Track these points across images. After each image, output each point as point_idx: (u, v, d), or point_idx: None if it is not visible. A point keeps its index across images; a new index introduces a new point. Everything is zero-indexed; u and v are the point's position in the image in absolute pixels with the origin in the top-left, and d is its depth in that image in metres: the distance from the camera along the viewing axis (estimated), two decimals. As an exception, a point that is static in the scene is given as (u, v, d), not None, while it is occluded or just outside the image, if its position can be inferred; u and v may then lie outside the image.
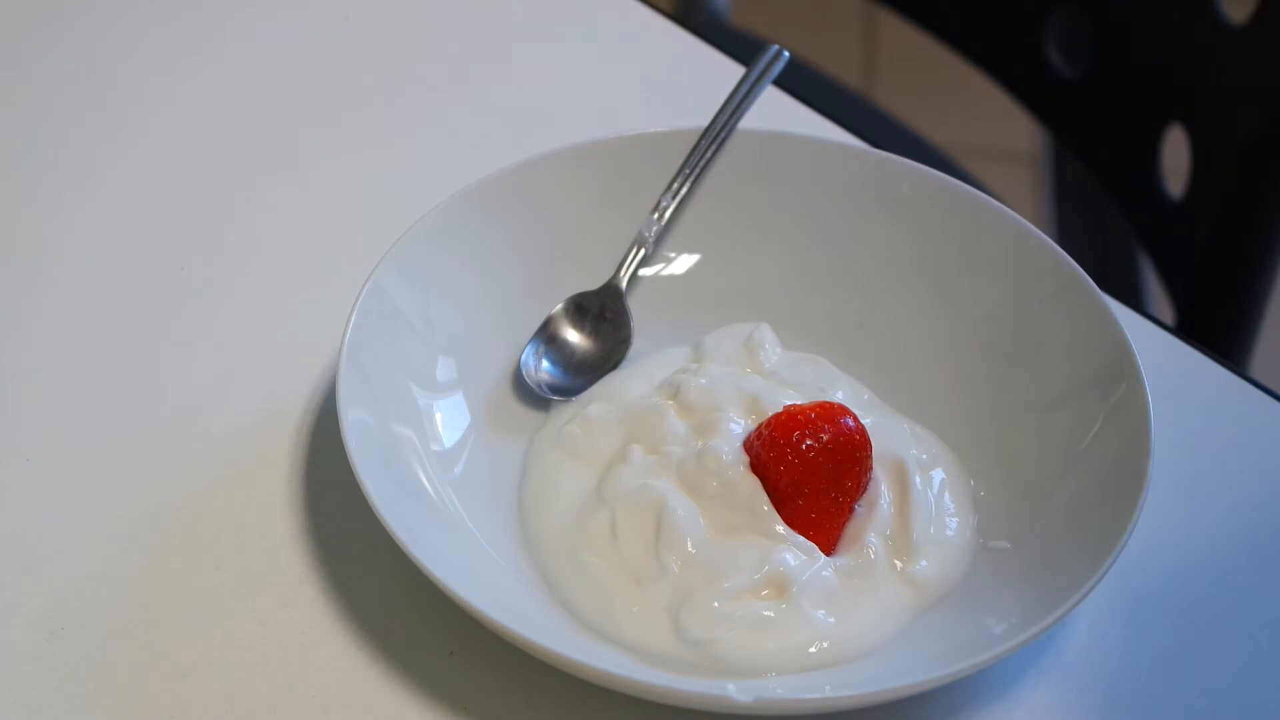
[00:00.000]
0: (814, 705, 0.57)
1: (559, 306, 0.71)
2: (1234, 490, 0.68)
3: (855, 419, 0.62)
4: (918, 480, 0.64)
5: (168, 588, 0.63)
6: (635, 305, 0.72)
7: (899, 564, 0.62)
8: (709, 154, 0.73)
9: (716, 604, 0.59)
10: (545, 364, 0.70)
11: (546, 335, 0.70)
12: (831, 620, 0.60)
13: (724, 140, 0.74)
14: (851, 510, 0.63)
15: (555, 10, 0.94)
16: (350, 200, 0.81)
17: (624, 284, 0.72)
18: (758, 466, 0.62)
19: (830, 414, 0.62)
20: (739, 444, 0.63)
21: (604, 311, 0.71)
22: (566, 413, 0.68)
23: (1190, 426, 0.69)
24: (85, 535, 0.65)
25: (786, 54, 0.78)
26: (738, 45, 0.90)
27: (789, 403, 0.64)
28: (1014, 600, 0.60)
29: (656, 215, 0.73)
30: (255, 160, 0.83)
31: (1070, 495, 0.63)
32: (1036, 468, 0.65)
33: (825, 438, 0.61)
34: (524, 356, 0.69)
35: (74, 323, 0.74)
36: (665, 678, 0.58)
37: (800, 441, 0.61)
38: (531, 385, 0.69)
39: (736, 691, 0.56)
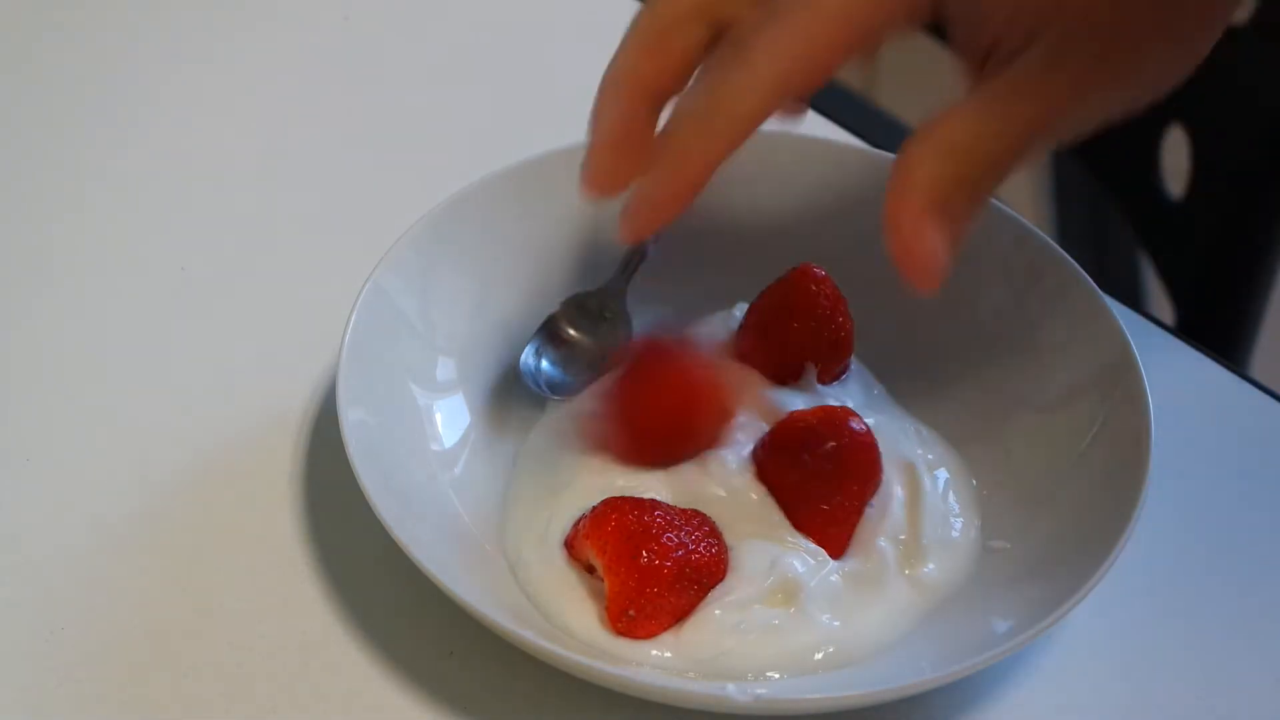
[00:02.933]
0: (813, 705, 0.57)
1: (559, 306, 0.71)
2: (1234, 490, 0.68)
3: (861, 422, 0.62)
4: (927, 483, 0.64)
5: (168, 588, 0.63)
6: (636, 305, 0.72)
7: (908, 568, 0.62)
8: None
9: (718, 612, 0.59)
10: (545, 364, 0.70)
11: (546, 334, 0.70)
12: (837, 624, 0.60)
13: None
14: (861, 513, 0.63)
15: (555, 10, 0.94)
16: (350, 200, 0.81)
17: (625, 284, 0.72)
18: (764, 474, 0.62)
19: (835, 419, 0.62)
20: (745, 451, 0.63)
21: (604, 311, 0.71)
22: (563, 409, 0.68)
23: (1190, 426, 0.69)
24: (85, 535, 0.65)
25: None
26: (737, 45, 0.89)
27: (794, 409, 0.64)
28: (1014, 600, 0.60)
29: (657, 216, 0.73)
30: (255, 160, 0.83)
31: (1070, 495, 0.63)
32: (1036, 468, 0.65)
33: (831, 444, 0.61)
34: (524, 356, 0.69)
35: (74, 322, 0.74)
36: (665, 678, 0.58)
37: (804, 449, 0.61)
38: (531, 385, 0.68)
39: (736, 691, 0.56)
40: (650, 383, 0.64)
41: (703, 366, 0.65)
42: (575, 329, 0.71)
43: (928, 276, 0.52)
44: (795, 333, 0.66)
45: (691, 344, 0.66)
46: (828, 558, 0.61)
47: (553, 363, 0.70)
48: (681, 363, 0.65)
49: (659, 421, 0.63)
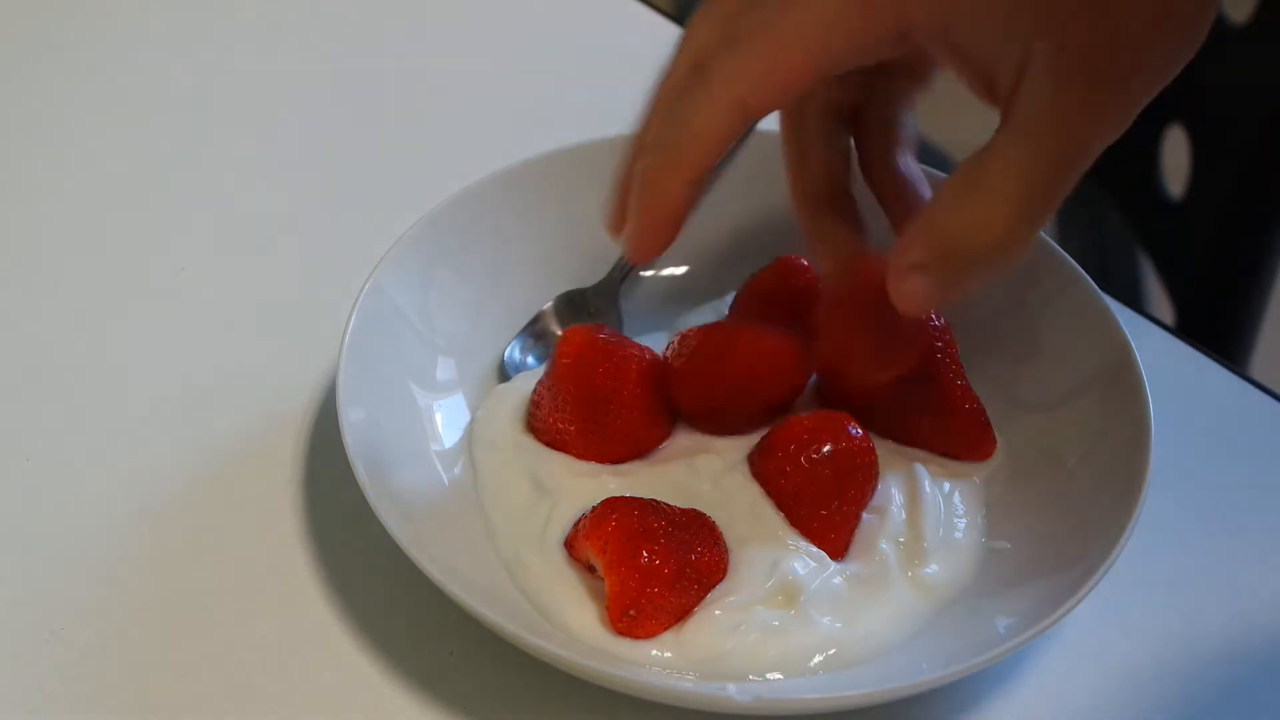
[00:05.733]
0: (813, 705, 0.57)
1: (549, 303, 0.71)
2: (1234, 490, 0.68)
3: (857, 426, 0.62)
4: (927, 485, 0.64)
5: (168, 588, 0.63)
6: (634, 305, 0.72)
7: (910, 570, 0.62)
8: None
9: (719, 613, 0.59)
10: (530, 360, 0.70)
11: (534, 331, 0.70)
12: (838, 626, 0.60)
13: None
14: (859, 516, 0.63)
15: (555, 10, 0.94)
16: (350, 200, 0.81)
17: (618, 283, 0.72)
18: (760, 477, 0.62)
19: (829, 423, 0.62)
20: (735, 452, 0.63)
21: (592, 308, 0.71)
22: (505, 398, 0.67)
23: (1190, 426, 0.69)
24: (85, 535, 0.65)
25: None
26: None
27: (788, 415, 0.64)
28: (1014, 600, 0.60)
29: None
30: (255, 160, 0.83)
31: (1071, 495, 0.63)
32: (1037, 468, 0.65)
33: (827, 449, 0.61)
34: (508, 351, 0.69)
35: (74, 323, 0.74)
36: (665, 678, 0.58)
37: (798, 455, 0.61)
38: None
39: (737, 692, 0.56)
40: (590, 386, 0.63)
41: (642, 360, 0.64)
42: (561, 326, 0.71)
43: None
44: (771, 322, 0.67)
45: (620, 340, 0.64)
46: (829, 560, 0.61)
47: (538, 359, 0.70)
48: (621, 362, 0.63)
49: (614, 424, 0.63)
